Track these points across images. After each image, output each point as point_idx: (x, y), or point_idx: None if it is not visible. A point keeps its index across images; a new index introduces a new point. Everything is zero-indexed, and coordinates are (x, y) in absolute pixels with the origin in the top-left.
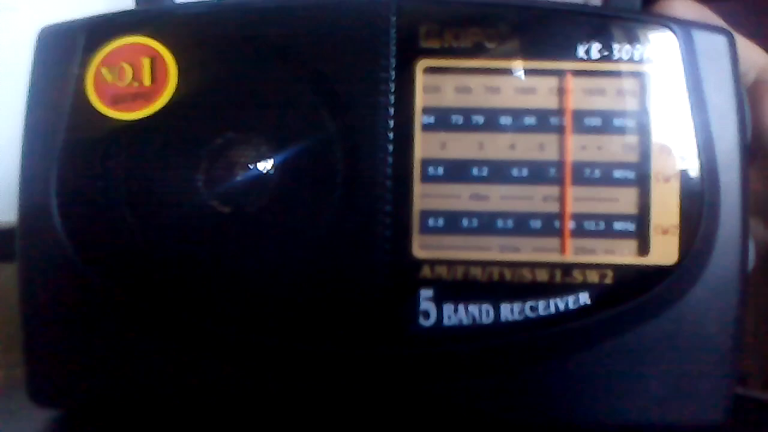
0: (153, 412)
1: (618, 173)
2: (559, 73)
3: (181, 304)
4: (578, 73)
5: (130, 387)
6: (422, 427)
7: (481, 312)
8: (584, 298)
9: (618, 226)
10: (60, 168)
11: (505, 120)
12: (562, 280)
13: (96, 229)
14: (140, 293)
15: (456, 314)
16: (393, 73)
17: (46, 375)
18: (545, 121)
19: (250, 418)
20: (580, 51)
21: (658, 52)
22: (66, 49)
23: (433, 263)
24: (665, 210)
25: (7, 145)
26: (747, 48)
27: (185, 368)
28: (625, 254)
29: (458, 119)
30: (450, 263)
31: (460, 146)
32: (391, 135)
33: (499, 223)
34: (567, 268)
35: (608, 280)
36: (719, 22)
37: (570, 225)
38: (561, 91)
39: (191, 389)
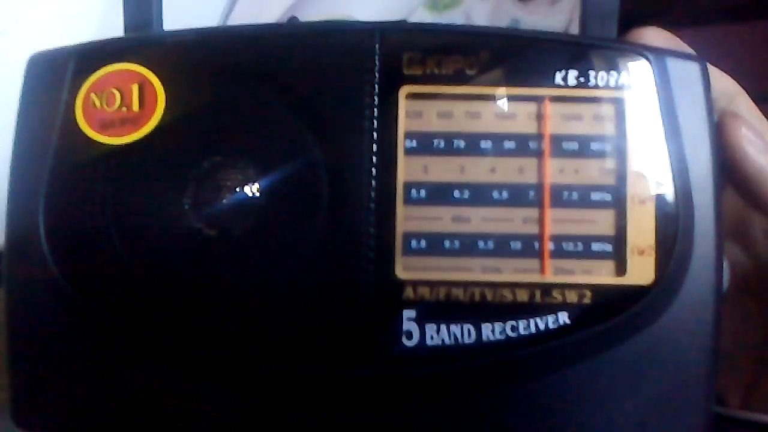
0: None
1: (595, 196)
2: (538, 99)
3: (168, 326)
4: (556, 99)
5: (115, 411)
6: None
7: (462, 332)
8: (564, 317)
9: (596, 247)
10: (48, 192)
11: (486, 144)
12: (542, 300)
13: (83, 253)
14: (127, 316)
15: (438, 334)
16: (376, 99)
17: (31, 399)
18: (524, 146)
19: None
20: (558, 78)
21: (633, 78)
22: (56, 75)
23: (415, 284)
24: (641, 231)
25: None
26: (717, 75)
27: (171, 390)
28: (603, 274)
29: (440, 143)
30: (432, 284)
31: (442, 169)
32: (374, 159)
33: (481, 244)
34: (547, 289)
35: (587, 300)
36: (690, 50)
37: (549, 246)
38: (539, 117)
39: (176, 412)
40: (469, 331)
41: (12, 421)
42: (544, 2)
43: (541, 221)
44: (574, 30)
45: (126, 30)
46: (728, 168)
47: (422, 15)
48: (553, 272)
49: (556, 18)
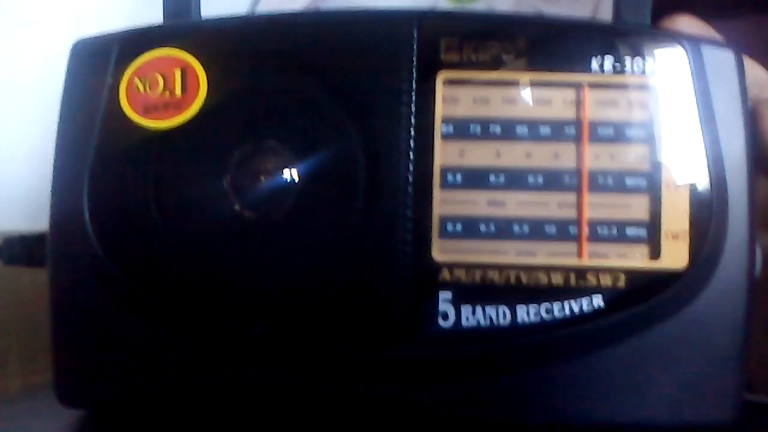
0: (178, 412)
1: (630, 181)
2: (576, 85)
3: (208, 306)
4: (592, 85)
5: (156, 388)
6: (441, 427)
7: (498, 314)
8: (598, 300)
9: (630, 231)
10: (92, 174)
11: (521, 129)
12: (576, 283)
13: (127, 234)
14: (169, 296)
15: (474, 316)
16: (414, 84)
17: (75, 377)
18: (560, 131)
19: (273, 416)
20: (594, 64)
21: (668, 66)
22: (100, 61)
23: (452, 267)
24: (675, 216)
25: (33, 154)
26: (749, 64)
27: (211, 369)
28: (637, 259)
29: (476, 129)
30: (468, 267)
31: (478, 154)
32: (411, 144)
33: (516, 228)
34: (581, 272)
35: (621, 284)
36: (721, 39)
37: (586, 230)
38: (576, 103)
39: (216, 390)
40: (504, 313)
41: (55, 398)
42: None
43: (579, 206)
44: (606, 17)
45: (165, 17)
46: (760, 155)
47: (445, 8)
48: (588, 256)
49: (579, 10)
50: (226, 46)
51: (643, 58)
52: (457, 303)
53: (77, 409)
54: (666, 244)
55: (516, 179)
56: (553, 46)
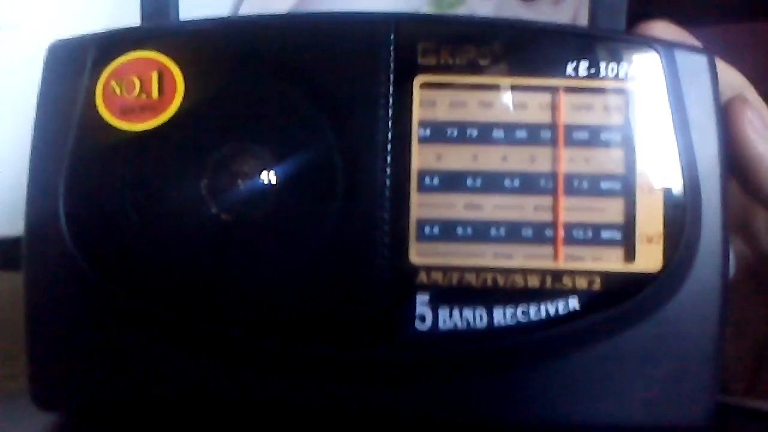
0: (155, 415)
1: (605, 184)
2: (551, 90)
3: (186, 308)
4: (567, 89)
5: (133, 390)
6: (417, 428)
7: (475, 316)
8: (573, 303)
9: (605, 234)
10: (68, 177)
11: (498, 133)
12: (552, 286)
13: (103, 237)
14: (145, 298)
15: (451, 318)
16: (391, 88)
17: (50, 380)
18: (536, 135)
19: (251, 419)
20: (569, 68)
21: (642, 70)
22: (76, 63)
23: (429, 269)
24: (650, 219)
25: (10, 158)
26: (724, 68)
27: (188, 372)
28: (612, 261)
29: (453, 132)
30: (445, 269)
31: (455, 158)
32: (388, 147)
33: (493, 231)
34: (557, 275)
35: (596, 286)
36: (698, 44)
37: (562, 233)
38: (553, 107)
39: (193, 392)
40: (480, 315)
41: (31, 400)
42: (548, 2)
43: (554, 209)
44: (583, 22)
45: (143, 19)
46: (731, 156)
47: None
48: (564, 259)
49: (559, 18)
50: (203, 48)
51: (618, 62)
52: (434, 305)
53: (53, 413)
54: (641, 247)
55: (493, 182)
56: (530, 51)
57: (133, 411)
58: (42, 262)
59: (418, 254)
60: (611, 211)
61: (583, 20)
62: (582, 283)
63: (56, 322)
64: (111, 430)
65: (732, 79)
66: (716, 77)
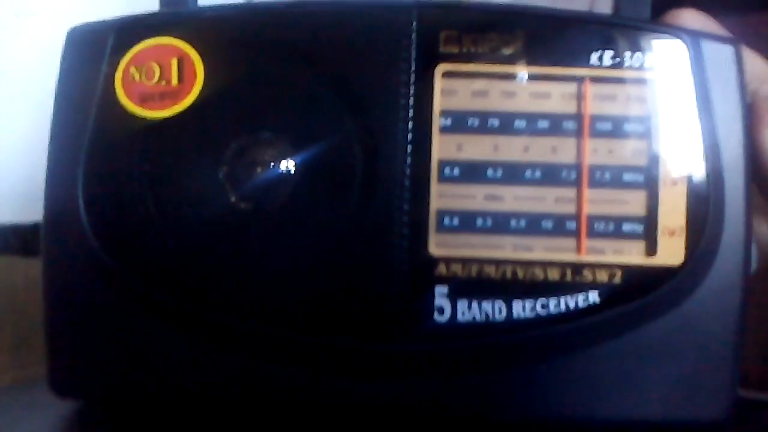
0: (172, 404)
1: (628, 176)
2: (577, 79)
3: (203, 297)
4: (592, 79)
5: (150, 379)
6: (435, 420)
7: (494, 309)
8: (594, 296)
9: (627, 227)
10: (87, 164)
11: (520, 123)
12: (572, 279)
13: (121, 225)
14: (163, 287)
15: (470, 311)
16: (413, 76)
17: (69, 367)
18: (558, 125)
19: (269, 409)
20: (594, 58)
21: (667, 60)
22: (95, 49)
23: (448, 261)
24: (672, 212)
25: (28, 145)
26: (750, 59)
27: (205, 361)
28: (633, 254)
29: (474, 122)
30: (465, 261)
31: (476, 148)
32: (409, 136)
33: (513, 223)
34: (578, 268)
35: (617, 280)
36: (725, 33)
37: (585, 226)
38: (578, 97)
39: (211, 382)
40: (500, 308)
41: (49, 388)
42: None
43: (578, 201)
44: (606, 10)
45: (162, 5)
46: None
47: None
48: (585, 251)
49: (576, 5)
50: (223, 35)
51: (643, 52)
52: (453, 297)
53: (70, 401)
54: (662, 241)
55: (514, 173)
56: (553, 40)
57: (150, 400)
58: (60, 250)
59: (437, 245)
60: (634, 203)
61: (601, 8)
62: (603, 276)
63: (75, 311)
64: (128, 418)
65: (758, 69)
66: (742, 67)
